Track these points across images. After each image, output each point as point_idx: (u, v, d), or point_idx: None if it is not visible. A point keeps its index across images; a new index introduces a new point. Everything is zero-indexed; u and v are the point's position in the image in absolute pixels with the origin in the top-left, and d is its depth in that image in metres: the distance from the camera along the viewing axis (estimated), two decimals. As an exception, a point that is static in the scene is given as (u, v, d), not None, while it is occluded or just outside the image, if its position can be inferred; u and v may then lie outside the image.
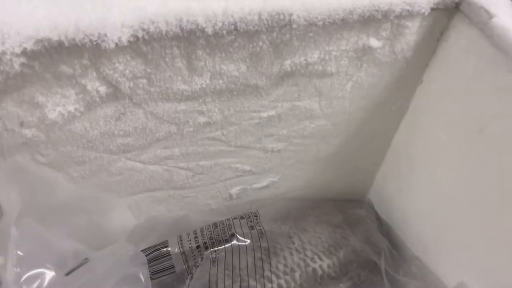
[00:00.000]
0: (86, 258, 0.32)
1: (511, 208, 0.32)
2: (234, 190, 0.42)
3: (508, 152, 0.31)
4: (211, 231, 0.40)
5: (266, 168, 0.41)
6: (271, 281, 0.37)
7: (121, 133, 0.33)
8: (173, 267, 0.39)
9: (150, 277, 0.39)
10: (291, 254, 0.39)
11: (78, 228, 0.37)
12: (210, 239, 0.40)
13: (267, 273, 0.37)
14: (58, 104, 0.30)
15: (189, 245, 0.39)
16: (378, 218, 0.48)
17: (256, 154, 0.40)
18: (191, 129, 0.35)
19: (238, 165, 0.40)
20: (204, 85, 0.32)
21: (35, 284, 0.31)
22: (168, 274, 0.39)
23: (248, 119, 0.36)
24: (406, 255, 0.44)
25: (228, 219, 0.41)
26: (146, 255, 0.39)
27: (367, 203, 0.50)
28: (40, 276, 0.32)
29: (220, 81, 0.32)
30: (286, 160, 0.41)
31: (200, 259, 0.39)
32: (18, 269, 0.32)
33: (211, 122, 0.35)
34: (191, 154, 0.37)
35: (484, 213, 0.35)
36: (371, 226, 0.45)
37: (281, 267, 0.38)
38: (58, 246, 0.34)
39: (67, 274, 0.31)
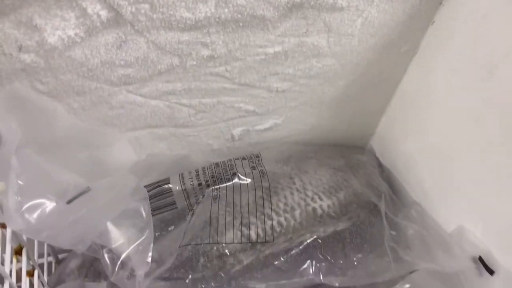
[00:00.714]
0: (88, 187, 0.32)
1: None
2: (236, 131, 0.42)
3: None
4: (212, 170, 0.40)
5: (270, 109, 0.41)
6: (271, 218, 0.37)
7: (122, 63, 0.32)
8: (175, 203, 0.39)
9: (152, 213, 0.39)
10: (292, 193, 0.39)
11: (79, 162, 0.37)
12: (211, 178, 0.40)
13: (267, 210, 0.38)
14: (58, 28, 0.29)
15: (191, 183, 0.39)
16: (380, 165, 0.48)
17: (260, 93, 0.39)
18: (194, 62, 0.34)
19: (241, 105, 0.39)
20: (208, 14, 0.30)
21: (36, 213, 0.31)
22: (170, 210, 0.39)
23: (253, 54, 0.35)
24: (406, 200, 0.44)
25: (230, 160, 0.41)
26: (148, 191, 0.39)
27: (369, 150, 0.50)
28: (42, 205, 0.32)
29: (226, 9, 0.30)
30: (290, 102, 0.41)
31: (201, 197, 0.39)
32: (19, 198, 0.32)
33: (215, 55, 0.34)
34: (194, 90, 0.36)
35: (487, 159, 0.35)
36: (372, 171, 0.45)
37: (281, 205, 0.38)
38: (58, 178, 0.34)
39: (69, 202, 0.31)
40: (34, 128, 0.34)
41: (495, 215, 0.35)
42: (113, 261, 0.37)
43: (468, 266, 0.37)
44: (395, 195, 0.45)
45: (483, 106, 0.34)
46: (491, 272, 0.35)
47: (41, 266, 0.41)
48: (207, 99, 0.38)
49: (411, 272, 0.36)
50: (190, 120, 0.39)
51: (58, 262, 0.46)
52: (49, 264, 0.46)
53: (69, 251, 0.45)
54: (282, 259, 0.36)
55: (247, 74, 0.36)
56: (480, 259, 0.36)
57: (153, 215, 0.39)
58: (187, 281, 0.34)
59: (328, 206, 0.39)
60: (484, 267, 0.35)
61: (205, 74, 0.35)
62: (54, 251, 0.45)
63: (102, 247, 0.38)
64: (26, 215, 0.31)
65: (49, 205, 0.32)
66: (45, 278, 0.41)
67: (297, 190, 0.39)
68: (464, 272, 0.37)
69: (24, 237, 0.36)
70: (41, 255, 0.42)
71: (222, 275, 0.35)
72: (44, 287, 0.41)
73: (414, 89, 0.42)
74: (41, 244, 0.42)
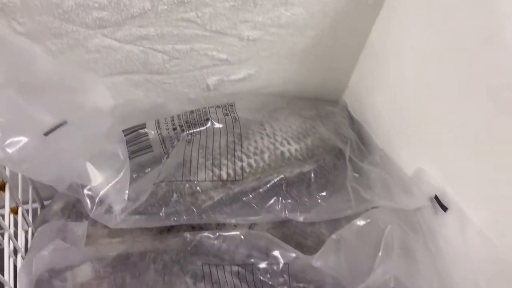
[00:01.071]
0: (64, 120, 0.34)
1: (468, 100, 0.34)
2: (211, 80, 0.44)
3: (468, 40, 0.33)
4: (187, 116, 0.42)
5: (242, 58, 0.42)
6: (241, 160, 0.40)
7: (96, 5, 0.34)
8: (151, 147, 0.41)
9: (129, 157, 0.41)
10: (262, 138, 0.41)
11: (58, 106, 0.39)
12: (186, 123, 0.42)
13: (238, 153, 0.40)
14: (31, -33, 0.30)
15: (166, 127, 0.41)
16: (351, 117, 0.50)
17: (232, 41, 0.40)
18: (165, 7, 0.35)
19: (214, 53, 0.41)
20: (177, -44, 0.32)
21: (17, 147, 0.33)
22: (146, 153, 0.41)
23: (222, 0, 0.36)
24: (373, 149, 0.46)
25: (204, 107, 0.43)
26: (125, 135, 0.41)
27: (341, 104, 0.52)
28: (22, 141, 0.34)
29: (193, -47, 0.32)
30: (262, 51, 0.42)
31: (176, 141, 0.41)
32: (0, 134, 0.34)
33: (185, 0, 0.35)
34: (167, 35, 0.38)
35: (444, 109, 0.37)
36: (342, 122, 0.47)
37: (251, 149, 0.40)
38: (38, 118, 0.36)
39: (46, 133, 0.33)
40: (15, 69, 0.35)
41: (449, 159, 0.38)
42: (92, 198, 0.39)
43: (425, 204, 0.39)
44: (363, 145, 0.47)
45: (440, 55, 0.36)
46: (444, 209, 0.38)
47: (27, 212, 0.43)
48: (180, 45, 0.39)
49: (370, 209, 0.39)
50: (165, 66, 0.41)
51: (43, 208, 0.48)
52: (35, 210, 0.48)
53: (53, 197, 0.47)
54: (250, 195, 0.38)
55: (218, 21, 0.38)
56: (436, 197, 0.39)
57: (130, 159, 0.41)
58: (161, 214, 0.37)
59: (296, 150, 0.41)
60: (439, 204, 0.38)
61: (176, 19, 0.37)
62: (39, 197, 0.47)
63: (82, 186, 0.40)
64: (7, 149, 0.33)
65: (29, 140, 0.34)
66: (30, 229, 0.43)
67: (267, 135, 0.42)
68: (421, 210, 0.40)
69: (7, 173, 0.38)
70: (26, 202, 0.44)
71: (194, 209, 0.37)
72: (29, 227, 0.43)
73: (381, 43, 0.43)
74: (26, 192, 0.44)
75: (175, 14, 0.36)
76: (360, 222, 0.38)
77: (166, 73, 0.41)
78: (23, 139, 0.33)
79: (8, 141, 0.34)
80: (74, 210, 0.44)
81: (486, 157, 0.34)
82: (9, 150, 0.32)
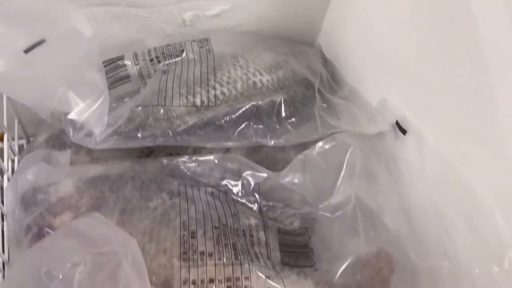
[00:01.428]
0: (43, 39, 0.36)
1: (426, 34, 0.36)
2: (187, 15, 0.45)
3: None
4: (163, 48, 0.44)
5: (217, -8, 0.44)
6: (214, 89, 0.42)
7: None
8: (129, 77, 0.43)
9: (108, 87, 0.43)
10: (235, 69, 0.43)
11: (38, 30, 0.40)
12: (162, 54, 0.44)
13: (211, 82, 0.42)
14: None
15: (143, 59, 0.43)
16: (324, 58, 0.52)
17: (206, -26, 0.42)
18: None
19: (189, -14, 0.43)
20: None
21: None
22: (124, 83, 0.43)
23: None
24: (343, 85, 0.49)
25: (180, 42, 0.45)
26: (104, 66, 0.43)
27: (316, 46, 0.54)
28: (3, 60, 0.36)
29: None
30: (236, -14, 0.44)
31: (153, 71, 0.43)
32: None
33: None
34: (142, -34, 0.39)
35: (405, 42, 0.40)
36: (314, 59, 0.49)
37: (225, 78, 0.42)
38: (18, 42, 0.37)
39: (26, 51, 0.34)
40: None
41: (409, 88, 0.41)
42: (74, 124, 0.41)
43: (387, 129, 0.42)
44: (335, 83, 0.49)
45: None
46: (404, 132, 0.41)
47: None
48: (156, -23, 0.41)
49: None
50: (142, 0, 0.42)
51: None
52: (21, 146, 0.51)
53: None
54: (223, 120, 0.41)
55: (192, -48, 0.39)
56: (397, 122, 0.41)
57: (109, 89, 0.43)
58: (138, 135, 0.39)
59: (267, 81, 0.43)
60: (399, 128, 0.41)
61: None
62: (25, 133, 0.50)
63: (64, 114, 0.42)
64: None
65: (10, 59, 0.36)
66: (16, 158, 0.45)
67: (240, 66, 0.44)
68: (383, 136, 0.43)
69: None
70: (13, 139, 0.46)
71: (169, 132, 0.40)
72: (15, 156, 0.45)
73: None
74: (12, 128, 0.46)
75: None
76: (325, 144, 0.41)
77: (143, 6, 0.43)
78: (4, 59, 0.35)
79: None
80: (58, 140, 0.46)
81: (440, 84, 0.36)
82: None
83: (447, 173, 0.37)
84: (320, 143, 0.40)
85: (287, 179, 0.40)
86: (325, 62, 0.52)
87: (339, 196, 0.41)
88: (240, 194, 0.41)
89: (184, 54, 0.43)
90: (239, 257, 0.34)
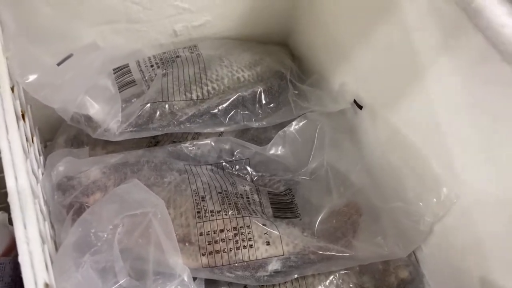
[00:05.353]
0: (71, 53, 0.44)
1: (374, 27, 0.47)
2: (177, 27, 0.55)
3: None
4: (161, 55, 0.53)
5: (201, 6, 0.53)
6: (206, 85, 0.51)
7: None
8: (134, 81, 0.51)
9: (118, 90, 0.52)
10: (222, 68, 0.53)
11: (59, 53, 0.49)
12: (160, 60, 0.53)
13: (204, 80, 0.51)
14: None
15: (145, 65, 0.52)
16: (293, 55, 0.62)
17: (191, -8, 0.52)
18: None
19: (178, 3, 0.52)
20: None
21: (35, 76, 0.43)
22: (131, 87, 0.51)
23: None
24: (310, 75, 0.59)
25: (174, 49, 0.54)
26: (114, 73, 0.51)
27: (287, 45, 0.64)
28: (39, 72, 0.44)
29: None
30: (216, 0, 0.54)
31: (154, 75, 0.52)
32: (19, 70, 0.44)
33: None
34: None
35: (359, 36, 0.50)
36: (284, 56, 0.59)
37: (214, 76, 0.52)
38: (46, 60, 0.46)
39: (59, 64, 0.43)
40: (22, 20, 0.45)
41: (362, 71, 0.51)
42: (93, 123, 0.50)
43: (347, 107, 0.53)
44: (303, 74, 0.60)
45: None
46: (360, 107, 0.51)
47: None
48: (150, -4, 0.50)
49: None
50: (140, 16, 0.51)
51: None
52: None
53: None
54: (216, 109, 0.50)
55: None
56: (354, 100, 0.52)
57: (120, 92, 0.52)
58: (149, 126, 0.48)
59: (248, 75, 0.53)
60: (356, 104, 0.51)
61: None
62: (43, 138, 0.57)
63: (84, 116, 0.50)
64: (30, 77, 0.43)
65: (44, 71, 0.44)
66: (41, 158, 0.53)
67: (226, 66, 0.53)
68: (345, 112, 0.53)
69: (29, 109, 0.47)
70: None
71: (174, 122, 0.49)
72: (40, 156, 0.53)
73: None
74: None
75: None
76: (299, 122, 0.51)
77: (141, 22, 0.52)
78: (40, 71, 0.43)
79: (28, 75, 0.44)
80: (76, 140, 0.54)
81: (383, 68, 0.47)
82: (31, 78, 0.42)
83: (394, 135, 0.47)
84: (295, 122, 0.51)
85: (271, 152, 0.50)
86: (294, 58, 0.62)
87: (314, 163, 0.51)
88: (235, 168, 0.50)
89: (179, 59, 0.52)
90: (241, 212, 0.44)
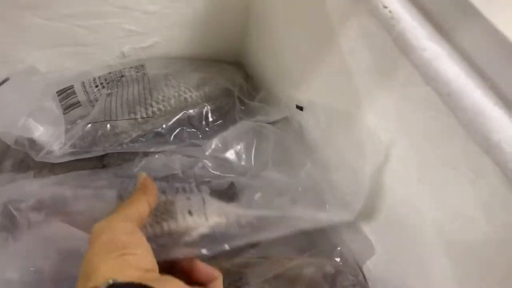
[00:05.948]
0: (7, 77, 0.44)
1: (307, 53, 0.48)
2: (125, 48, 0.55)
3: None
4: (106, 76, 0.53)
5: (149, 28, 0.54)
6: (151, 106, 0.51)
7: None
8: (79, 102, 0.51)
9: (63, 112, 0.51)
10: (168, 89, 0.53)
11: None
12: (105, 80, 0.53)
13: (148, 101, 0.51)
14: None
15: (90, 86, 0.52)
16: (246, 72, 0.63)
17: (137, 15, 0.52)
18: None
19: (125, 26, 0.52)
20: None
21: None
22: (75, 108, 0.51)
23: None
24: (260, 91, 0.60)
25: (120, 69, 0.54)
26: (58, 95, 0.51)
27: (239, 64, 0.65)
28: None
29: None
30: (163, 22, 0.54)
31: (99, 96, 0.52)
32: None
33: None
34: (85, 13, 0.49)
35: (302, 59, 0.51)
36: (236, 75, 0.60)
37: (160, 97, 0.52)
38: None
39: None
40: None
41: (301, 84, 0.52)
42: (36, 146, 0.49)
43: (292, 112, 0.53)
44: (254, 91, 0.60)
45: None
46: (301, 109, 0.52)
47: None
48: (97, 20, 0.50)
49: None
50: (87, 39, 0.52)
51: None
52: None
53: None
54: (160, 128, 0.50)
55: (123, -1, 0.49)
56: (296, 105, 0.52)
57: (64, 114, 0.51)
58: (91, 147, 0.48)
59: (196, 96, 0.53)
60: (298, 108, 0.52)
61: (91, -1, 0.48)
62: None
63: (28, 139, 0.50)
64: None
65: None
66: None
67: (173, 86, 0.53)
68: (291, 117, 0.54)
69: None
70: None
71: (116, 141, 0.49)
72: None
73: (262, 10, 0.56)
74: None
75: (86, -6, 0.47)
76: (240, 125, 0.51)
77: (89, 45, 0.52)
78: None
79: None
80: (22, 164, 0.53)
81: (314, 77, 0.48)
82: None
83: (333, 117, 0.48)
84: (232, 127, 0.51)
85: (208, 152, 0.49)
86: (246, 75, 0.62)
87: (258, 165, 0.50)
88: (181, 180, 0.49)
89: (124, 79, 0.53)
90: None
